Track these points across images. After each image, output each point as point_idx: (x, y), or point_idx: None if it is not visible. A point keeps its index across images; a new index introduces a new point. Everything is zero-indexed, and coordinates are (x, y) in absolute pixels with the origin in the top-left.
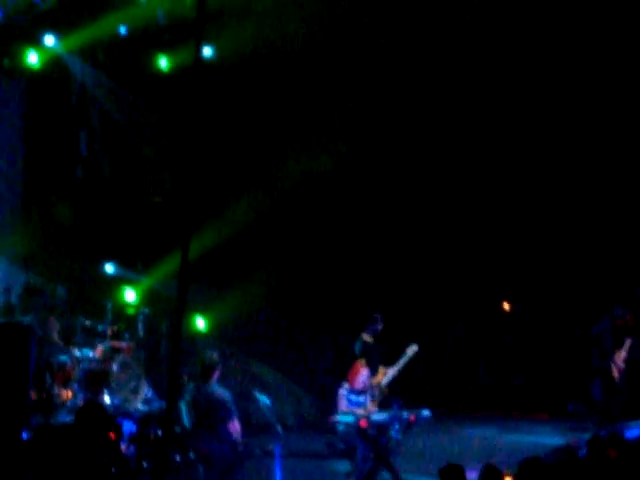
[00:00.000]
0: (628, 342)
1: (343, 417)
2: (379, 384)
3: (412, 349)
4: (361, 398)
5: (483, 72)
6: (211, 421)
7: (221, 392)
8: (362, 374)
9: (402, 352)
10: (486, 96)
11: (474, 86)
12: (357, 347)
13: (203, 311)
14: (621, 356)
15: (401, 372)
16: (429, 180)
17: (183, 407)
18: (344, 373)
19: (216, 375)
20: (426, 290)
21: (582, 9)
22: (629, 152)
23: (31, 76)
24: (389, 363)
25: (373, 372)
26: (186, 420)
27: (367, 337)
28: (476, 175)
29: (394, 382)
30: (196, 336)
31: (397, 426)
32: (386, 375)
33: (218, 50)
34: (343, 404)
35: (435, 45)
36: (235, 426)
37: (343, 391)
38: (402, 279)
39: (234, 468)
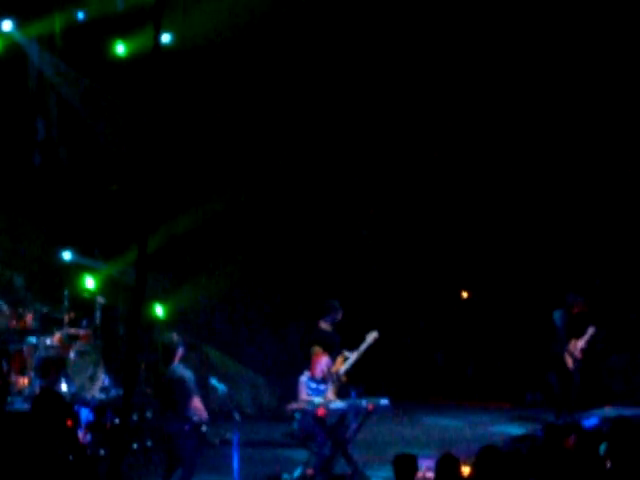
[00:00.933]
0: (590, 330)
1: (301, 405)
2: (337, 372)
3: (372, 335)
4: (321, 387)
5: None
6: (172, 401)
7: (181, 372)
8: (321, 362)
9: (362, 339)
10: (460, 84)
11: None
12: (314, 335)
13: (162, 299)
14: (578, 345)
15: (360, 359)
16: (391, 167)
17: None
18: (303, 361)
19: (178, 356)
20: (386, 279)
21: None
22: (587, 146)
23: None
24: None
25: (332, 360)
26: None
27: (324, 325)
28: (434, 164)
29: (353, 370)
30: (154, 324)
31: (355, 415)
32: (345, 363)
33: (177, 36)
34: (303, 392)
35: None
36: (196, 404)
37: (303, 378)
38: (361, 267)
39: (195, 450)
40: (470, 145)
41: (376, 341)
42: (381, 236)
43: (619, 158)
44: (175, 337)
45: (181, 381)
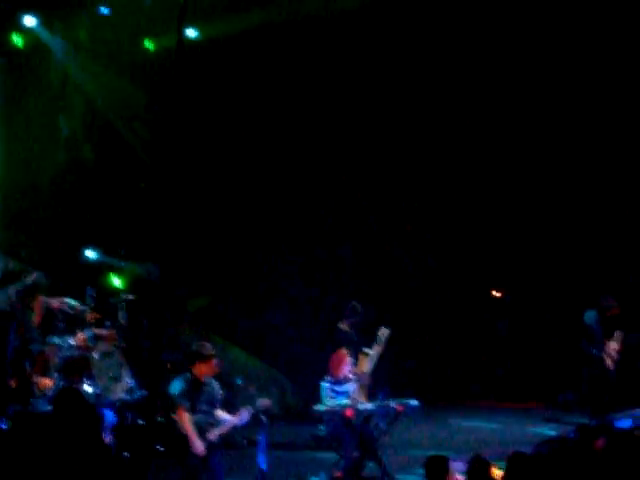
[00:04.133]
0: (618, 334)
1: (329, 407)
2: (364, 372)
3: (383, 332)
4: (346, 387)
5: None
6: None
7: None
8: (345, 363)
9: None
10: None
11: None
12: (336, 337)
13: (188, 299)
14: (612, 347)
15: (380, 357)
16: (423, 164)
17: None
18: (326, 363)
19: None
20: (417, 277)
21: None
22: (621, 141)
23: (11, 57)
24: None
25: (356, 360)
26: None
27: (345, 326)
28: (468, 162)
29: (380, 371)
30: (179, 323)
31: (384, 416)
32: (368, 362)
33: (203, 32)
34: (327, 397)
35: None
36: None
37: (325, 384)
38: (394, 266)
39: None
40: (504, 142)
41: (390, 337)
42: (413, 236)
43: None
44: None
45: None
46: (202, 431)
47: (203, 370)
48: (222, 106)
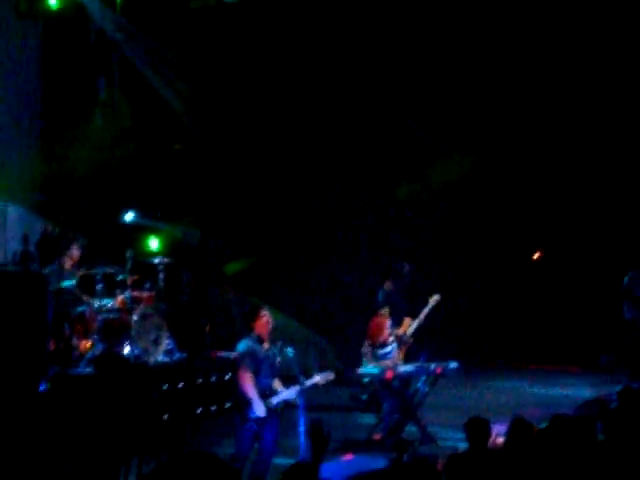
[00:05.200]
0: None
1: (369, 369)
2: (405, 334)
3: (434, 299)
4: (386, 350)
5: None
6: None
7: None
8: (385, 327)
9: (425, 303)
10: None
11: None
12: (380, 296)
13: (226, 261)
14: None
15: (424, 321)
16: (459, 127)
17: None
18: (366, 325)
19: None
20: (456, 240)
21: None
22: None
23: (48, 19)
24: (413, 315)
25: (397, 322)
26: None
27: (389, 286)
28: (507, 124)
29: (421, 333)
30: (219, 286)
31: (424, 378)
32: (411, 325)
33: None
34: (368, 359)
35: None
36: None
37: (366, 349)
38: (433, 232)
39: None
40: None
41: (439, 304)
42: (452, 201)
43: None
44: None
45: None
46: (262, 396)
47: (261, 328)
48: (261, 68)
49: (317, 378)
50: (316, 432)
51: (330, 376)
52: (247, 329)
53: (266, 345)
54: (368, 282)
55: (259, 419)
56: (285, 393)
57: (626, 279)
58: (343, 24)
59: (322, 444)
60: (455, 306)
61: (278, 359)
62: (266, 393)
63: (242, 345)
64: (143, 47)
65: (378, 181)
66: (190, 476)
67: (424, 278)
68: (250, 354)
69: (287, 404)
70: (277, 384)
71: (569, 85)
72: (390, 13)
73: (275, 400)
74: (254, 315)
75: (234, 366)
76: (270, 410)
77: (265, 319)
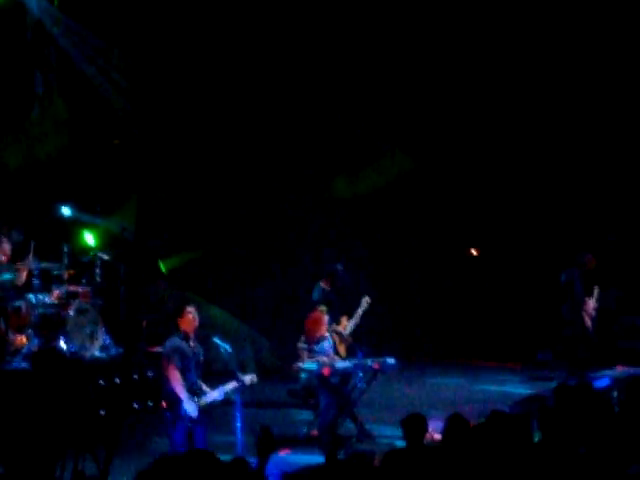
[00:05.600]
0: (596, 291)
1: (306, 365)
2: (344, 331)
3: (366, 300)
4: (322, 346)
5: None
6: None
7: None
8: (322, 323)
9: (359, 303)
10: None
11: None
12: (315, 294)
13: (163, 256)
14: (591, 305)
15: (360, 320)
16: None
17: None
18: (303, 321)
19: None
20: (395, 237)
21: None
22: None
23: None
24: (349, 314)
25: (333, 319)
26: None
27: (325, 285)
28: (449, 123)
29: (359, 331)
30: (155, 281)
31: (361, 374)
32: (348, 324)
33: None
34: (304, 356)
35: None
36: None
37: (301, 345)
38: (371, 229)
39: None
40: (487, 108)
41: (371, 304)
42: (392, 197)
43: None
44: None
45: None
46: (191, 394)
47: (186, 325)
48: (200, 62)
49: (234, 383)
50: (265, 435)
51: (254, 379)
52: (174, 326)
53: (192, 343)
54: (304, 279)
55: (190, 417)
56: (214, 394)
57: (564, 276)
58: (286, 16)
59: (270, 447)
60: (394, 302)
61: (201, 358)
62: (195, 391)
63: (169, 342)
64: (81, 41)
65: (316, 178)
66: (188, 475)
67: (360, 276)
68: (177, 351)
69: (226, 400)
70: (202, 385)
71: (508, 79)
72: (340, 8)
73: (204, 400)
74: (180, 312)
75: (161, 363)
76: (200, 408)
77: (191, 316)
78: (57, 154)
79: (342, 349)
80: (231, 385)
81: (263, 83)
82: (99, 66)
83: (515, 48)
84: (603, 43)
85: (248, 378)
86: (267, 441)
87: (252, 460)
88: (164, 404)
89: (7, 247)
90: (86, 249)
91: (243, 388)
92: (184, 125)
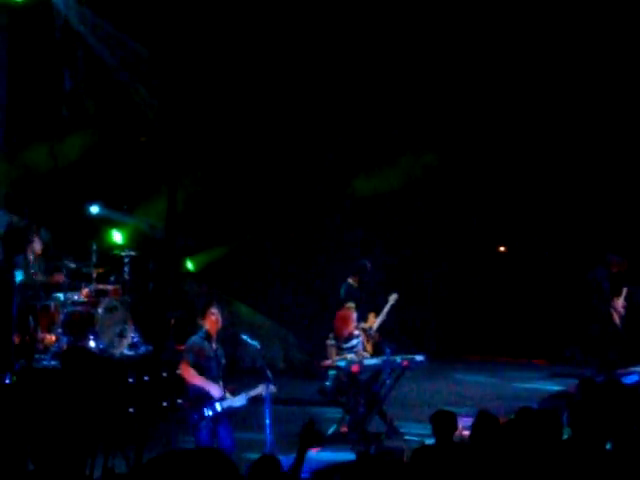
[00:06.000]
0: (625, 290)
1: (336, 362)
2: (371, 328)
3: (393, 297)
4: (352, 343)
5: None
6: None
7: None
8: (351, 320)
9: (386, 300)
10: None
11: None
12: (343, 291)
13: (192, 254)
14: (619, 303)
15: (387, 317)
16: (425, 120)
17: None
18: (332, 318)
19: None
20: (422, 234)
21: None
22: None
23: (13, 11)
24: (376, 311)
25: (361, 317)
26: None
27: (353, 281)
28: (477, 120)
29: (387, 327)
30: (184, 280)
31: (390, 371)
32: (376, 321)
33: None
34: (333, 354)
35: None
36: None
37: (330, 342)
38: (399, 227)
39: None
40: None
41: (399, 301)
42: (418, 195)
43: None
44: None
45: None
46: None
47: (210, 326)
48: (229, 62)
49: (259, 389)
50: (310, 427)
51: (273, 389)
52: (197, 325)
53: (214, 344)
54: (332, 276)
55: (213, 416)
56: (236, 400)
57: (590, 274)
58: (296, 17)
59: (313, 439)
60: (421, 300)
61: (223, 361)
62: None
63: (189, 341)
64: (109, 40)
65: (341, 175)
66: (195, 472)
67: (388, 273)
68: (195, 349)
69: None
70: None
71: (529, 80)
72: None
73: (225, 405)
74: (204, 312)
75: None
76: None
77: (214, 317)
78: (85, 152)
79: (369, 346)
80: (255, 391)
81: (288, 80)
82: (127, 64)
83: (541, 47)
84: (613, 42)
85: (271, 387)
86: (310, 433)
87: (281, 457)
88: (187, 404)
89: (38, 246)
90: (114, 247)
91: (272, 383)
92: (212, 122)
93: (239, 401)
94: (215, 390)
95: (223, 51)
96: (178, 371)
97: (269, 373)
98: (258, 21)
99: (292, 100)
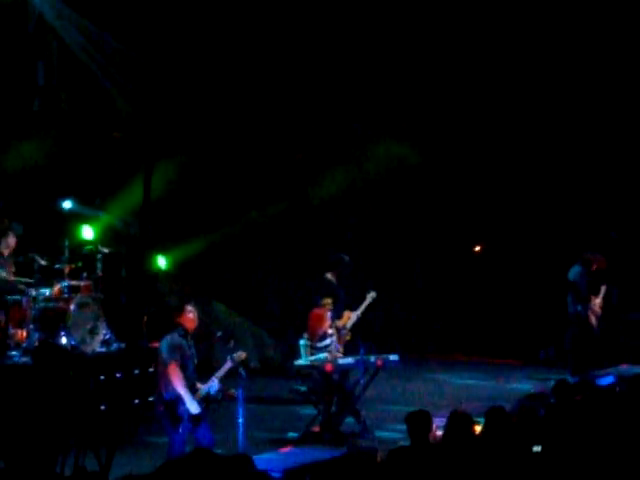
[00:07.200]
0: (603, 289)
1: (308, 361)
2: (344, 327)
3: (371, 295)
4: (325, 342)
5: None
6: None
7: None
8: (324, 319)
9: (363, 297)
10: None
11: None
12: (321, 286)
13: (165, 250)
14: (597, 303)
15: (362, 316)
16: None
17: None
18: (307, 318)
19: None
20: (397, 232)
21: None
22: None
23: None
24: (351, 308)
25: (337, 313)
26: None
27: (331, 276)
28: (451, 119)
29: (361, 326)
30: (157, 276)
31: (364, 371)
32: (350, 319)
33: None
34: (307, 352)
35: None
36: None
37: (303, 341)
38: (372, 224)
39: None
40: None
41: (375, 299)
42: (392, 193)
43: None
44: None
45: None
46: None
47: (187, 323)
48: (203, 57)
49: (229, 363)
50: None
51: (242, 355)
52: (173, 323)
53: (190, 342)
54: (307, 274)
55: (191, 417)
56: (209, 384)
57: (569, 274)
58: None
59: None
60: (396, 299)
61: (195, 360)
62: (194, 390)
63: (170, 339)
64: (83, 34)
65: (316, 170)
66: (193, 475)
67: (364, 271)
68: (178, 348)
69: (228, 396)
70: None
71: (507, 74)
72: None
73: (201, 393)
74: (180, 310)
75: (157, 359)
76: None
77: (191, 315)
78: (58, 147)
79: (340, 346)
80: (224, 369)
81: (266, 76)
82: (101, 60)
83: (531, 44)
84: (613, 40)
85: (236, 355)
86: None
87: (255, 457)
88: (161, 407)
89: (12, 241)
90: (86, 243)
91: (246, 381)
92: (186, 119)
93: (212, 387)
94: (194, 407)
95: (201, 43)
96: (164, 370)
97: (243, 372)
98: (233, 10)
99: (263, 94)
